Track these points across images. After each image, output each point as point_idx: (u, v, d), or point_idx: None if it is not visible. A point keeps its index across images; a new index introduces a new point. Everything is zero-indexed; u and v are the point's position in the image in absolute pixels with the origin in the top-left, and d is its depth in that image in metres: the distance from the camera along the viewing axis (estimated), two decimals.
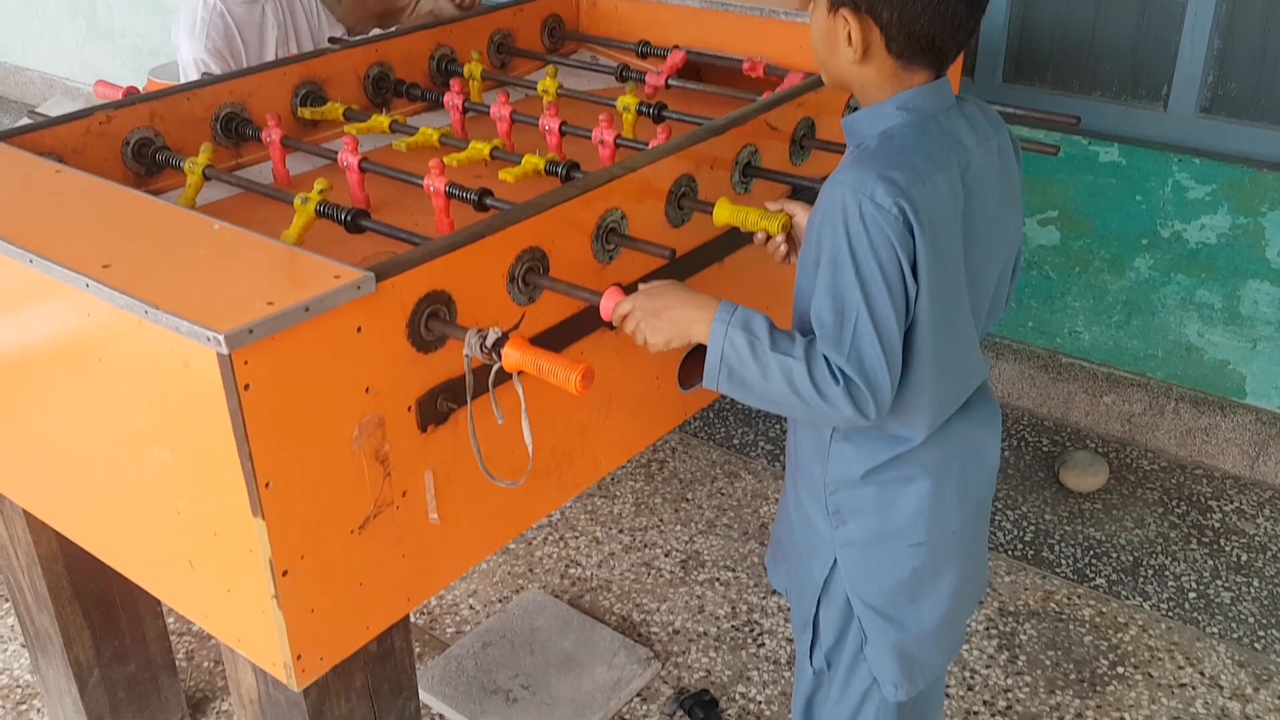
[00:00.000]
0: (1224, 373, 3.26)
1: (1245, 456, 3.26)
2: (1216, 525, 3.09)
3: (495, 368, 1.52)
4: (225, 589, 1.52)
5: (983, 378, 1.64)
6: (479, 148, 2.17)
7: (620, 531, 3.10)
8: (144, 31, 5.77)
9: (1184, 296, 3.25)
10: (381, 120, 2.34)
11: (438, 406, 1.61)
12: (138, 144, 2.17)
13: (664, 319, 1.56)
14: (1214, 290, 3.20)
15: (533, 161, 2.08)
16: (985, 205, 1.50)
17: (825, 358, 1.42)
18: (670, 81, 2.62)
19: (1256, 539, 3.03)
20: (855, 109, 1.58)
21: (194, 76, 2.86)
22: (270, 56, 3.01)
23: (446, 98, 2.49)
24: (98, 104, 2.17)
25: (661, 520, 3.14)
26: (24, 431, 1.80)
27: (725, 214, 1.86)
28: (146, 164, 2.18)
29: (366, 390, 1.49)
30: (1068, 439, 3.48)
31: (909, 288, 1.40)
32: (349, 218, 1.87)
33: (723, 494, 3.25)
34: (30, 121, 2.12)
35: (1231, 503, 3.18)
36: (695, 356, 2.00)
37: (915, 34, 1.43)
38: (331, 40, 2.98)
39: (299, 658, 1.49)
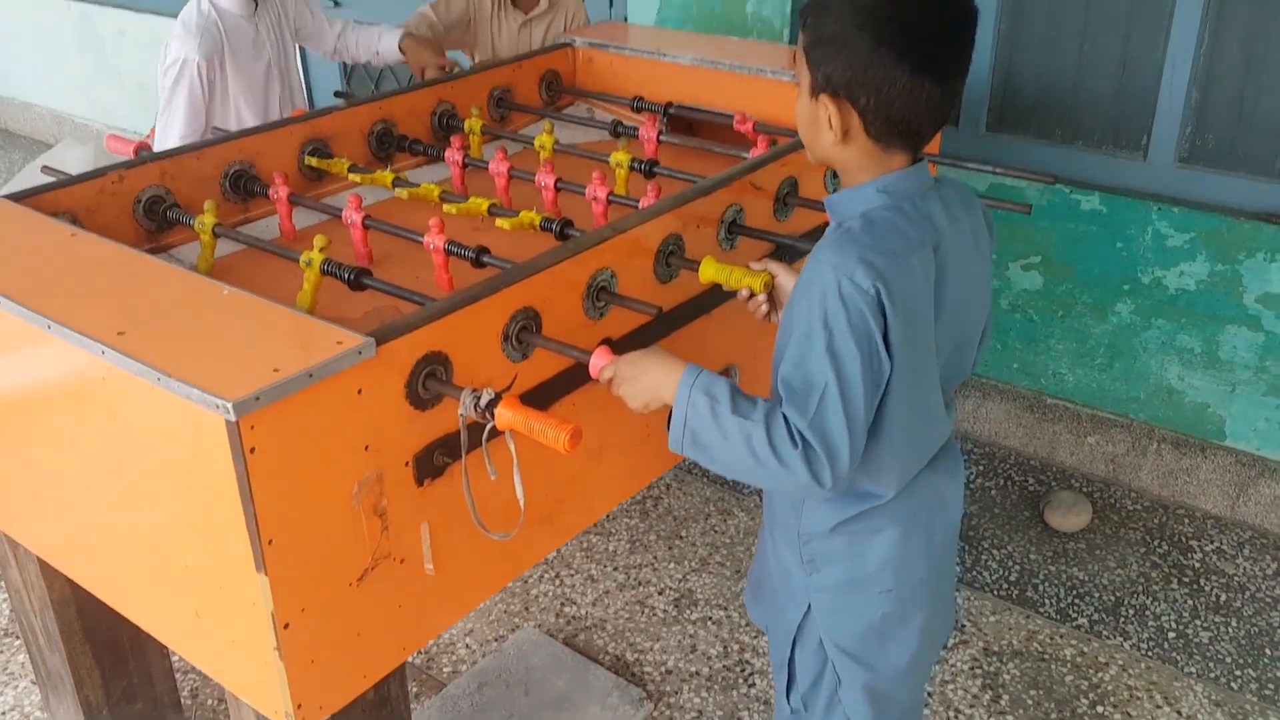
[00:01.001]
0: (1204, 415, 3.34)
1: (1225, 497, 3.33)
2: (1197, 565, 3.16)
3: (489, 426, 1.60)
4: (230, 640, 1.59)
5: (946, 437, 1.73)
6: (478, 203, 2.26)
7: (615, 569, 3.17)
8: (151, 70, 5.84)
9: (1165, 341, 3.33)
10: (385, 176, 2.43)
11: (434, 461, 1.69)
12: (149, 201, 2.26)
13: (639, 385, 1.63)
14: (1194, 335, 3.28)
15: (529, 217, 2.16)
16: (952, 280, 1.58)
17: (786, 419, 1.47)
18: (662, 137, 2.71)
19: (1236, 579, 3.09)
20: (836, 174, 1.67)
21: (177, 75, 2.95)
22: (260, 76, 3.12)
23: (447, 154, 2.58)
24: (111, 162, 2.27)
25: (655, 558, 3.21)
26: (40, 482, 1.88)
27: (710, 272, 1.94)
28: (158, 220, 2.27)
29: (366, 448, 1.57)
30: (1053, 478, 3.55)
31: (883, 362, 1.48)
32: (352, 276, 1.96)
33: (716, 531, 3.32)
34: (45, 178, 2.21)
35: (1212, 543, 3.25)
36: None
37: (891, 118, 1.50)
38: (337, 94, 3.07)
39: (299, 706, 1.56)
